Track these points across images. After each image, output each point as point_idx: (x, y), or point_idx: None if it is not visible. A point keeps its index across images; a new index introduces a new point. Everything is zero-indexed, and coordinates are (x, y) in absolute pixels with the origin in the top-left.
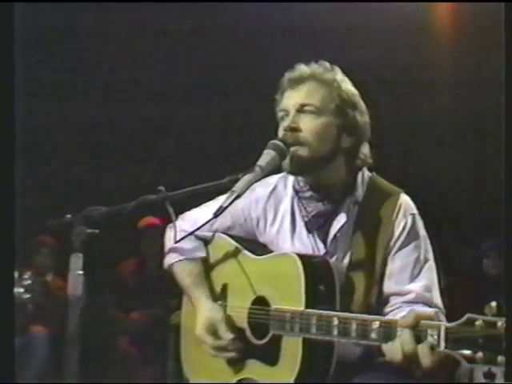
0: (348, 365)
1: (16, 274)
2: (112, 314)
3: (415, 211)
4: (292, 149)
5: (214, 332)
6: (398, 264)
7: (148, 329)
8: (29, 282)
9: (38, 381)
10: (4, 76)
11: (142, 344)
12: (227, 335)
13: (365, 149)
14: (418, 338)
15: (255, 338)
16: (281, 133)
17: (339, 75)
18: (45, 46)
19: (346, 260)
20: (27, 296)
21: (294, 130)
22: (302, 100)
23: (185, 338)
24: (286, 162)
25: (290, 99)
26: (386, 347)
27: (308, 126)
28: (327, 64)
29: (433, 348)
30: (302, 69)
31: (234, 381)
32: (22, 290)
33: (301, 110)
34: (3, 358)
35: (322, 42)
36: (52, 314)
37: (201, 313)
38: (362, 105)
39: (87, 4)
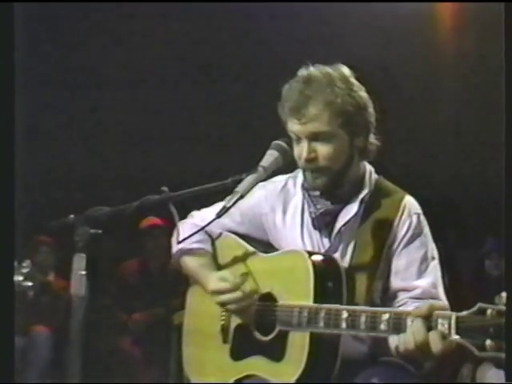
0: (353, 362)
1: (15, 263)
2: (115, 314)
3: (420, 211)
4: (312, 176)
5: (226, 281)
6: (404, 261)
7: (150, 329)
8: (28, 269)
9: (41, 381)
10: (4, 75)
11: (145, 344)
12: (239, 277)
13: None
14: (429, 327)
15: (261, 335)
16: (296, 155)
17: (331, 85)
18: (45, 44)
19: (349, 255)
20: (27, 284)
21: (312, 160)
22: (311, 129)
23: (187, 338)
24: (309, 183)
25: (297, 127)
26: (398, 338)
27: (324, 152)
28: (313, 78)
29: (444, 336)
30: (296, 97)
31: (238, 377)
32: (21, 278)
33: (313, 138)
34: (3, 357)
35: (324, 41)
36: (54, 314)
37: (210, 282)
38: (361, 98)
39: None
